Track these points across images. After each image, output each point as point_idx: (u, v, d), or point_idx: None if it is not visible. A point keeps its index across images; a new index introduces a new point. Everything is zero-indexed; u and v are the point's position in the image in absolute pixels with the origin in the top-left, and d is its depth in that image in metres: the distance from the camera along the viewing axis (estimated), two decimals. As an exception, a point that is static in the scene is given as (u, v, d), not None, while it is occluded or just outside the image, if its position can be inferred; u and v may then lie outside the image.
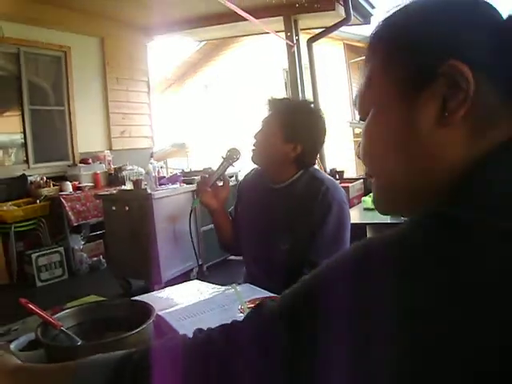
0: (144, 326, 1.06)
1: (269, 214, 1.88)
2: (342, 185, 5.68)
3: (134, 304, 1.28)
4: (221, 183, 1.91)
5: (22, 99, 5.82)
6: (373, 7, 7.10)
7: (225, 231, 2.02)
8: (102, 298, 1.83)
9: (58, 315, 1.18)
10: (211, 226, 4.73)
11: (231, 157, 1.89)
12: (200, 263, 4.83)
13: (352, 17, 6.40)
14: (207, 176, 1.88)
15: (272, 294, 1.45)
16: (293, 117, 1.83)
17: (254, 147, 1.87)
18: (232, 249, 2.14)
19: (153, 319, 1.12)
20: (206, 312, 1.41)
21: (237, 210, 2.09)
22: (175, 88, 18.22)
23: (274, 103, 1.90)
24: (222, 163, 1.89)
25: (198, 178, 5.11)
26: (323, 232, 1.78)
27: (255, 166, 2.00)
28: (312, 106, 1.94)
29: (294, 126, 1.82)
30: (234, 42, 15.67)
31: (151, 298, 1.61)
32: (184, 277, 4.45)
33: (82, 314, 1.24)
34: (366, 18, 7.15)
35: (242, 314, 1.11)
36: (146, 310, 1.17)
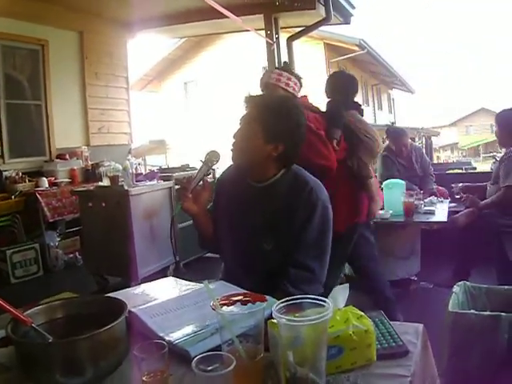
0: (115, 322, 1.05)
1: (251, 214, 1.85)
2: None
3: (106, 301, 1.27)
4: (201, 182, 1.88)
5: (-3, 93, 5.73)
6: (353, 7, 7.14)
7: (206, 232, 1.98)
8: (75, 295, 1.82)
9: (28, 312, 1.17)
10: (188, 223, 4.75)
11: (210, 160, 1.86)
12: (177, 260, 4.81)
13: (332, 16, 6.43)
14: (187, 182, 1.84)
15: (245, 291, 1.45)
16: (273, 116, 1.78)
17: (233, 147, 1.83)
18: (212, 247, 2.10)
19: (125, 316, 1.11)
20: (180, 309, 1.41)
21: (216, 207, 2.03)
22: (155, 85, 18.13)
23: (253, 100, 1.87)
24: (201, 167, 1.86)
25: (177, 177, 5.10)
26: (308, 232, 1.77)
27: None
28: (292, 102, 1.88)
29: (275, 126, 1.77)
30: (214, 40, 15.64)
31: (126, 294, 1.61)
32: (161, 274, 4.43)
33: (53, 310, 1.23)
34: (346, 17, 7.19)
35: (214, 316, 1.11)
36: (118, 307, 1.16)
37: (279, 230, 1.78)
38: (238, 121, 1.85)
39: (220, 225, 1.96)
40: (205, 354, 0.97)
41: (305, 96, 2.95)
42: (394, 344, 1.19)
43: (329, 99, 3.17)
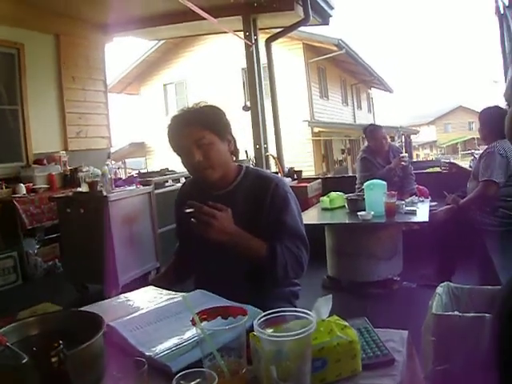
0: (92, 340, 1.01)
1: None
2: (300, 184, 5.77)
3: (83, 316, 1.23)
4: None
5: (-28, 98, 5.62)
6: (331, 8, 7.16)
7: (176, 281, 2.01)
8: (54, 306, 1.77)
9: (2, 330, 1.12)
10: (168, 227, 4.71)
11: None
12: (157, 266, 4.77)
13: (311, 17, 6.44)
14: None
15: (225, 301, 1.42)
16: (213, 117, 1.82)
17: (205, 167, 1.78)
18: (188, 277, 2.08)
19: (102, 332, 1.07)
20: (160, 321, 1.37)
21: (181, 228, 2.04)
22: (134, 87, 18.02)
23: (188, 117, 1.82)
24: None
25: (157, 181, 5.04)
26: (288, 220, 1.80)
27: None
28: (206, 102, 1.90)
29: (219, 123, 1.83)
30: (193, 42, 15.61)
31: (104, 306, 1.57)
32: (142, 280, 4.38)
33: (28, 327, 1.18)
34: (324, 18, 7.20)
35: (193, 326, 1.08)
36: (95, 322, 1.12)
37: (250, 232, 1.75)
38: (192, 145, 1.77)
39: (189, 243, 1.95)
40: (186, 372, 0.94)
41: None
42: (379, 353, 1.16)
43: None
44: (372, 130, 5.10)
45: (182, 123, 1.81)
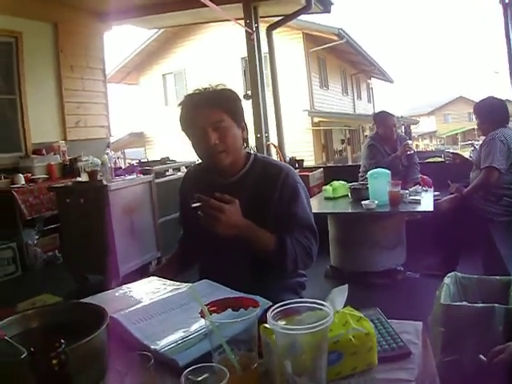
0: (96, 333, 0.96)
1: None
2: (302, 174, 5.72)
3: (85, 308, 1.18)
4: None
5: (-31, 87, 5.55)
6: (333, -5, 7.07)
7: (179, 271, 1.96)
8: (54, 297, 1.73)
9: (1, 323, 1.07)
10: (169, 217, 4.67)
11: None
12: (158, 256, 4.72)
13: (312, 5, 6.36)
14: None
15: (234, 292, 1.37)
16: (229, 101, 1.77)
17: (220, 151, 1.72)
18: (192, 265, 2.03)
19: (106, 325, 1.02)
20: (165, 313, 1.32)
21: (186, 216, 1.98)
22: (133, 77, 17.93)
23: (206, 97, 1.75)
24: None
25: (157, 170, 4.99)
26: (299, 210, 1.76)
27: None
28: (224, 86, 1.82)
29: (237, 109, 1.78)
30: (194, 31, 15.49)
31: (106, 297, 1.52)
32: (143, 270, 4.34)
33: (27, 320, 1.13)
34: (326, 6, 7.11)
35: (202, 319, 1.02)
36: (98, 315, 1.07)
37: (256, 221, 1.69)
38: (210, 125, 1.71)
39: (194, 232, 1.88)
40: (195, 367, 0.89)
41: None
42: (394, 345, 1.12)
43: None
44: (384, 117, 5.02)
45: (199, 104, 1.73)
